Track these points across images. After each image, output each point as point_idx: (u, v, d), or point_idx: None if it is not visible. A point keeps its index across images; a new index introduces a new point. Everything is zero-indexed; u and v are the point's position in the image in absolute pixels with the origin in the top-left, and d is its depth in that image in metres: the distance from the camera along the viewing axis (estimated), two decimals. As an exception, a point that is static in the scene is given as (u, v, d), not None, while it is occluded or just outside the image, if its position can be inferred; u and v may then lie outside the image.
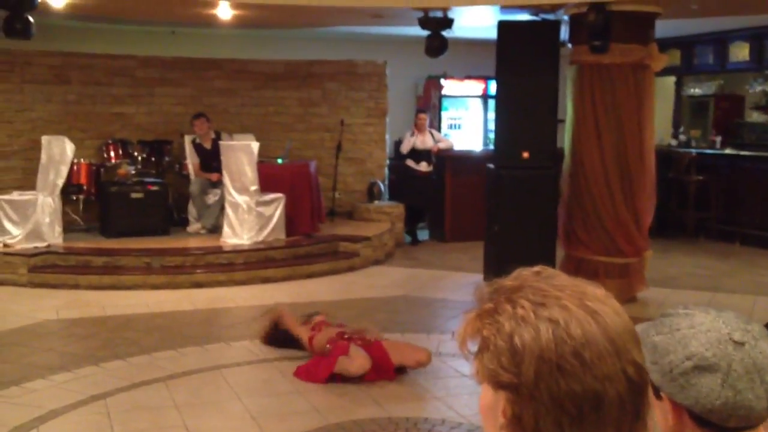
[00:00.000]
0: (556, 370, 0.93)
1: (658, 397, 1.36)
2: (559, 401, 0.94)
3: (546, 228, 7.58)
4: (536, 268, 1.05)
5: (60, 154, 8.53)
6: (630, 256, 7.39)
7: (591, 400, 0.94)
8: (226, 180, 8.79)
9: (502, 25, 7.67)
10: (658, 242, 8.77)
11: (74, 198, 9.52)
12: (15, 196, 8.55)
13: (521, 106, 7.51)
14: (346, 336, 5.31)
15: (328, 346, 5.27)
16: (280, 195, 8.95)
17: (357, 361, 5.03)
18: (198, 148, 9.72)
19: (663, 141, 11.38)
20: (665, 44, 9.76)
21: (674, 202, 10.77)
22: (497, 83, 7.90)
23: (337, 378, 5.11)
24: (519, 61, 7.50)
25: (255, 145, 8.75)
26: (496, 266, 7.72)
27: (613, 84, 7.22)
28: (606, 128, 7.27)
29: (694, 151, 10.92)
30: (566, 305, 0.97)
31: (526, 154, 7.53)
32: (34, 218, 8.33)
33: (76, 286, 7.75)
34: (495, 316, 0.99)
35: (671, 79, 12.15)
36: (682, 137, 11.78)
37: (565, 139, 7.66)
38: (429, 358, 5.27)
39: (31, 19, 7.27)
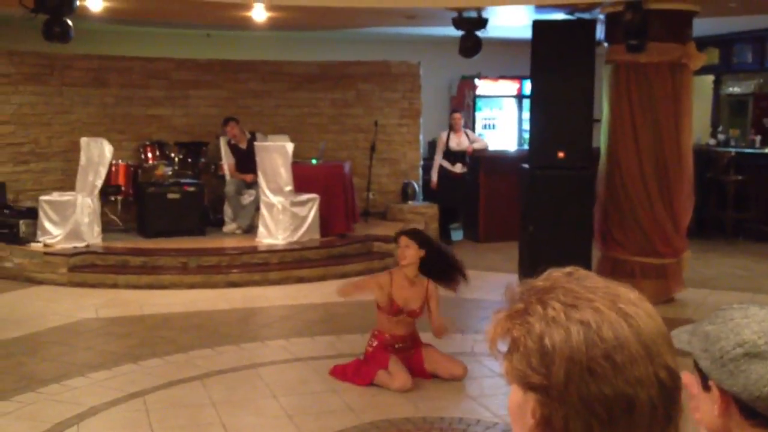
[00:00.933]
0: (587, 372, 0.93)
1: (706, 387, 1.37)
2: (589, 404, 0.93)
3: (581, 228, 7.51)
4: (568, 269, 1.05)
5: (99, 155, 8.66)
6: (667, 257, 7.31)
7: (622, 404, 0.94)
8: (261, 181, 8.86)
9: (537, 25, 7.62)
10: (696, 243, 8.67)
11: (112, 199, 9.66)
12: (55, 196, 8.69)
13: (556, 106, 7.46)
14: (396, 346, 5.17)
15: (373, 342, 5.20)
16: (314, 195, 9.00)
17: (398, 381, 4.95)
18: (233, 148, 9.81)
19: (701, 140, 11.23)
20: (703, 43, 9.64)
21: (713, 202, 10.62)
22: (532, 83, 7.86)
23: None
24: (554, 60, 7.45)
25: (289, 146, 8.81)
26: (530, 267, 7.66)
27: (650, 83, 7.14)
28: (643, 128, 7.19)
29: (733, 150, 10.77)
30: (598, 307, 0.97)
31: (561, 154, 7.47)
32: (73, 219, 8.46)
33: (114, 286, 7.87)
34: (525, 317, 0.99)
35: (709, 78, 11.99)
36: (721, 136, 11.61)
37: (601, 139, 7.60)
38: (464, 372, 5.17)
39: (69, 22, 7.39)
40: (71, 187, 8.92)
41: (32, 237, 8.47)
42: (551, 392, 0.95)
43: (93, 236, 8.59)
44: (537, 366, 0.96)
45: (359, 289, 5.36)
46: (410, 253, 5.09)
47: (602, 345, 0.94)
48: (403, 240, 5.13)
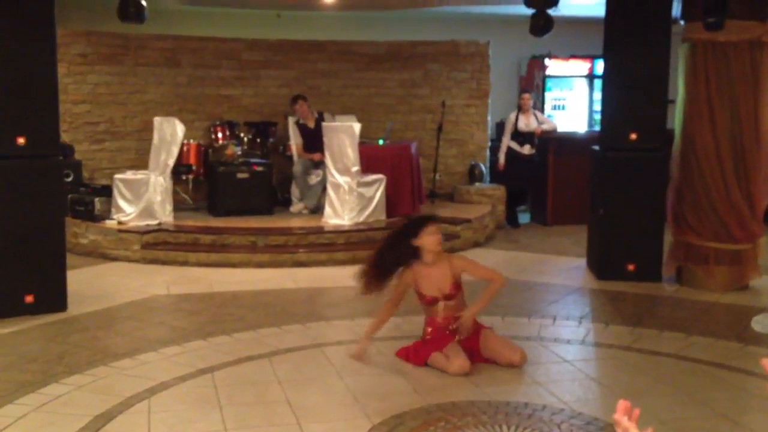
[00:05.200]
0: None
1: None
2: None
3: (653, 212, 7.35)
4: None
5: (171, 134, 8.82)
6: (742, 243, 7.09)
7: None
8: (328, 161, 8.90)
9: (611, 2, 7.44)
10: (773, 228, 8.38)
11: (184, 178, 9.85)
12: (129, 175, 8.90)
13: (630, 86, 7.28)
14: (451, 327, 5.11)
15: (428, 329, 5.18)
16: (381, 176, 9.00)
17: (455, 364, 4.90)
18: (301, 128, 9.88)
19: (781, 122, 10.82)
20: (786, 20, 9.25)
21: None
22: (605, 62, 7.68)
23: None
24: (628, 39, 7.26)
25: (357, 126, 8.82)
26: (599, 251, 7.54)
27: (728, 62, 6.91)
28: (719, 109, 6.97)
29: (815, 132, 10.34)
30: None
31: (633, 136, 7.30)
32: (146, 197, 8.66)
33: (185, 263, 8.03)
34: None
35: (791, 57, 11.52)
36: (802, 118, 11.17)
37: (676, 120, 7.39)
38: (522, 360, 5.04)
39: (144, 3, 7.51)
40: (144, 166, 9.13)
41: (107, 214, 8.70)
42: None
43: (165, 214, 8.78)
44: None
45: (392, 308, 5.25)
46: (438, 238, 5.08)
47: None
48: (434, 227, 5.08)
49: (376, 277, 5.08)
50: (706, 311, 6.56)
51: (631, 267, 7.37)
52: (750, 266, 7.17)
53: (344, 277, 7.67)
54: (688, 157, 7.21)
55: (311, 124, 9.81)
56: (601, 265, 7.51)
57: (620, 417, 1.60)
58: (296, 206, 9.74)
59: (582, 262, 8.03)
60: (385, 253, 5.09)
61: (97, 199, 8.73)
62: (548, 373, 5.07)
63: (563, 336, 5.83)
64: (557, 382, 4.87)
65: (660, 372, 5.09)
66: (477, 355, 5.11)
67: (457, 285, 5.14)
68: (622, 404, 1.62)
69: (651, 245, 7.41)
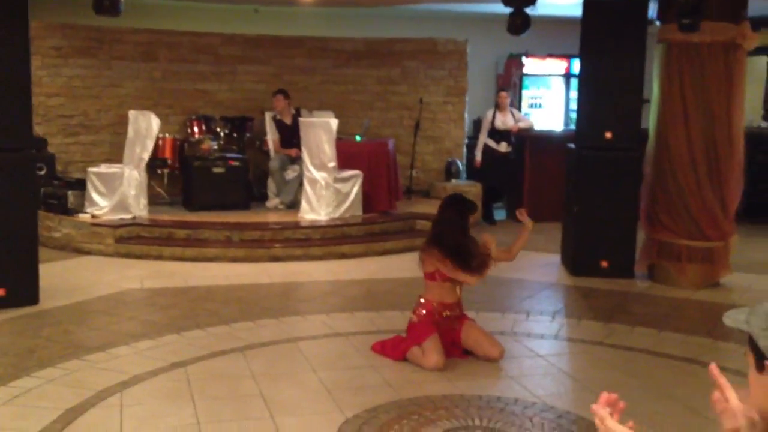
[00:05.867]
0: None
1: (761, 368, 1.37)
2: None
3: (627, 210, 7.42)
4: None
5: (146, 128, 8.76)
6: (714, 241, 7.18)
7: None
8: (305, 156, 8.89)
9: (588, 2, 7.49)
10: (745, 226, 8.50)
11: (159, 172, 9.80)
12: (103, 168, 8.83)
13: (605, 86, 7.34)
14: (444, 314, 5.14)
15: (421, 311, 5.17)
16: (357, 172, 9.01)
17: (431, 360, 4.93)
18: (279, 124, 9.86)
19: (753, 122, 10.97)
20: (758, 23, 9.36)
21: (764, 185, 10.40)
22: (581, 61, 7.74)
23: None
24: (604, 39, 7.32)
25: (334, 122, 8.82)
26: (573, 247, 7.60)
27: (703, 64, 6.98)
28: (693, 109, 7.05)
29: (786, 133, 10.51)
30: None
31: (608, 135, 7.37)
32: (120, 191, 8.59)
33: (159, 257, 7.99)
34: None
35: (763, 59, 11.68)
36: (774, 119, 11.35)
37: (650, 119, 7.47)
38: (500, 356, 5.11)
39: (120, -4, 7.45)
40: (119, 160, 9.06)
41: (80, 208, 8.63)
42: None
43: (139, 208, 8.72)
44: None
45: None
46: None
47: None
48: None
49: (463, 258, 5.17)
50: (678, 308, 6.64)
51: (604, 263, 7.44)
52: (721, 264, 7.26)
53: (320, 272, 7.70)
54: (661, 157, 7.28)
55: (288, 120, 9.79)
56: (575, 261, 7.57)
57: (598, 407, 1.60)
58: (272, 201, 9.72)
59: (556, 258, 8.09)
60: (458, 236, 5.34)
61: (70, 193, 8.65)
62: (521, 367, 5.10)
63: (536, 331, 5.88)
64: (530, 377, 4.91)
65: (632, 367, 5.14)
66: (458, 345, 5.15)
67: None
68: (604, 395, 1.62)
69: (624, 242, 7.48)
